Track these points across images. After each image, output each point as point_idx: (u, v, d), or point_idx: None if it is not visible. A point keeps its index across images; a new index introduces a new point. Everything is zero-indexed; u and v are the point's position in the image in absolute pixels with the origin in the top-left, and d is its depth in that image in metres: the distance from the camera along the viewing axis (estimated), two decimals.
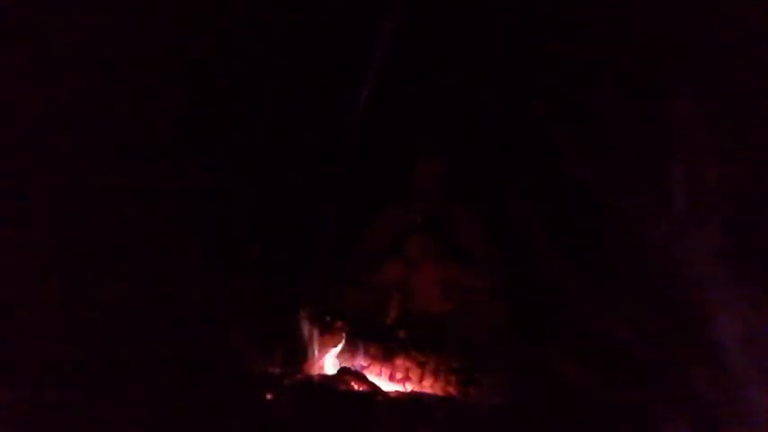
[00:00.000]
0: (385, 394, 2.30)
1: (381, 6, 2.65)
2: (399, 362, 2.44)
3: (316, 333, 2.47)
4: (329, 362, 2.45)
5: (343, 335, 2.48)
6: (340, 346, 2.47)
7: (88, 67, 2.12)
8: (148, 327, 2.13)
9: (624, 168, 2.08)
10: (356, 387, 2.31)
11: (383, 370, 2.44)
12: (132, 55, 2.18)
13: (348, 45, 2.80)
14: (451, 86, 3.13)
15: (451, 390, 2.37)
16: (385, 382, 2.41)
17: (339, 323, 2.51)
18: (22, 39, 2.00)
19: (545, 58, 2.81)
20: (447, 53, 3.12)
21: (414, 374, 2.42)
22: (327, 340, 2.46)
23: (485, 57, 3.05)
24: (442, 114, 3.14)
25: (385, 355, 2.46)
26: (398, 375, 2.42)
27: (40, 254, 2.05)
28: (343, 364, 2.45)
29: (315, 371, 2.42)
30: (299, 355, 2.43)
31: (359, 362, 2.46)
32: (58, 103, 2.06)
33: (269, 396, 2.17)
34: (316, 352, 2.46)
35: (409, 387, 2.40)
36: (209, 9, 2.42)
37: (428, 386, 2.39)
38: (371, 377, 2.40)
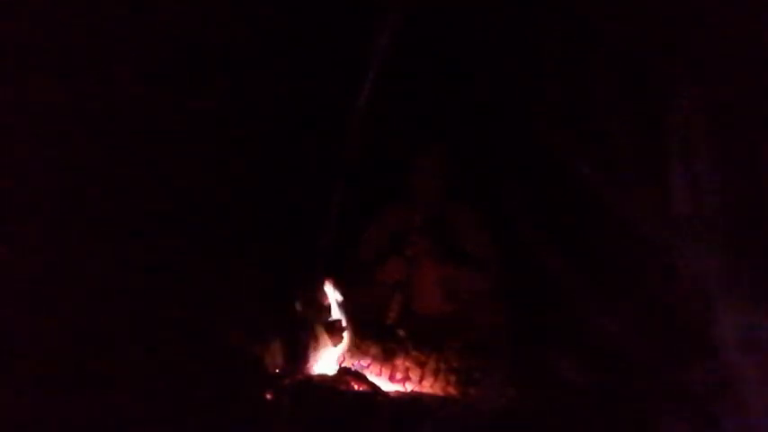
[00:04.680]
0: (385, 394, 2.30)
1: (381, 6, 2.65)
2: (399, 362, 2.44)
3: (316, 333, 2.47)
4: (329, 362, 2.45)
5: (344, 335, 2.48)
6: (340, 346, 2.47)
7: (86, 66, 2.12)
8: (148, 327, 2.13)
9: (624, 168, 2.08)
10: (356, 387, 2.31)
11: (383, 370, 2.44)
12: (130, 56, 2.18)
13: (348, 45, 2.80)
14: (452, 86, 3.13)
15: (451, 390, 2.37)
16: (385, 382, 2.41)
17: (339, 323, 2.51)
18: (22, 37, 2.00)
19: (545, 58, 2.81)
20: (448, 53, 3.12)
21: (414, 374, 2.42)
22: (327, 340, 2.46)
23: (485, 57, 3.05)
24: (441, 114, 3.14)
25: (385, 355, 2.46)
26: (398, 375, 2.42)
27: (39, 253, 2.04)
28: (344, 364, 2.45)
29: (315, 371, 2.42)
30: (299, 355, 2.43)
31: (359, 362, 2.46)
32: (55, 103, 2.06)
33: (269, 396, 2.17)
34: (316, 352, 2.46)
35: (409, 387, 2.40)
36: (208, 9, 2.41)
37: (428, 386, 2.40)
38: (371, 377, 2.40)
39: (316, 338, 2.47)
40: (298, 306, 2.46)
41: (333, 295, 2.59)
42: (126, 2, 2.19)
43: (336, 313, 2.61)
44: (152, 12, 2.21)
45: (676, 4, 2.20)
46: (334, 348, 2.47)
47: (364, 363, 2.46)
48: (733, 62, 2.02)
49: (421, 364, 2.43)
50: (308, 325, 2.47)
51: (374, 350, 2.48)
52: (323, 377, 2.38)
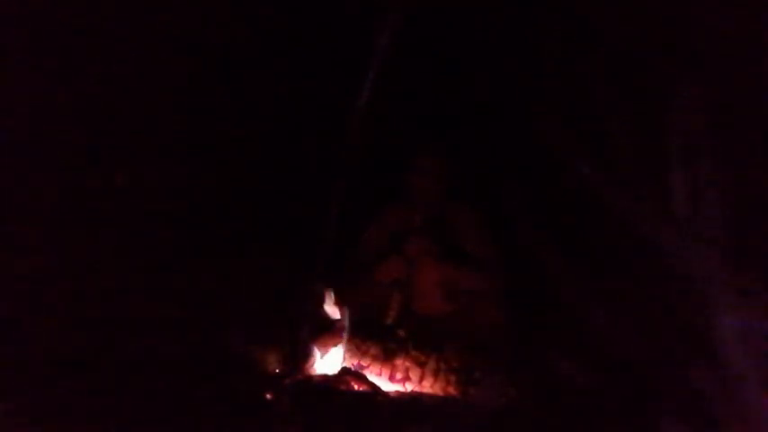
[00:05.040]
0: (385, 394, 2.31)
1: (381, 6, 2.65)
2: (399, 362, 2.44)
3: (316, 333, 2.47)
4: (329, 362, 2.45)
5: (344, 335, 2.48)
6: (340, 346, 2.47)
7: (86, 66, 2.12)
8: (148, 327, 2.13)
9: (624, 168, 2.08)
10: (356, 387, 2.31)
11: (383, 370, 2.44)
12: (130, 56, 2.18)
13: (348, 45, 2.80)
14: (452, 86, 3.13)
15: (451, 390, 2.37)
16: (385, 382, 2.41)
17: (339, 323, 2.51)
18: (22, 37, 2.00)
19: (545, 58, 2.81)
20: (448, 53, 3.12)
21: (414, 374, 2.42)
22: (327, 340, 2.46)
23: (485, 56, 3.05)
24: (441, 114, 3.14)
25: (385, 355, 2.46)
26: (398, 375, 2.42)
27: (39, 253, 2.04)
28: (343, 364, 2.45)
29: (315, 371, 2.43)
30: (299, 355, 2.43)
31: (359, 362, 2.46)
32: (55, 103, 2.05)
33: (269, 396, 2.17)
34: (316, 352, 2.46)
35: (409, 387, 2.41)
36: (208, 9, 2.41)
37: (428, 386, 2.40)
38: (371, 377, 2.40)
39: (315, 339, 2.47)
40: (298, 306, 2.46)
41: (333, 296, 2.59)
42: (126, 2, 2.19)
43: (336, 313, 2.61)
44: (152, 12, 2.21)
45: (676, 4, 2.20)
46: (334, 348, 2.47)
47: (364, 363, 2.46)
48: (733, 62, 2.02)
49: (421, 364, 2.43)
50: (308, 325, 2.47)
51: (374, 350, 2.48)
52: (323, 377, 2.38)
